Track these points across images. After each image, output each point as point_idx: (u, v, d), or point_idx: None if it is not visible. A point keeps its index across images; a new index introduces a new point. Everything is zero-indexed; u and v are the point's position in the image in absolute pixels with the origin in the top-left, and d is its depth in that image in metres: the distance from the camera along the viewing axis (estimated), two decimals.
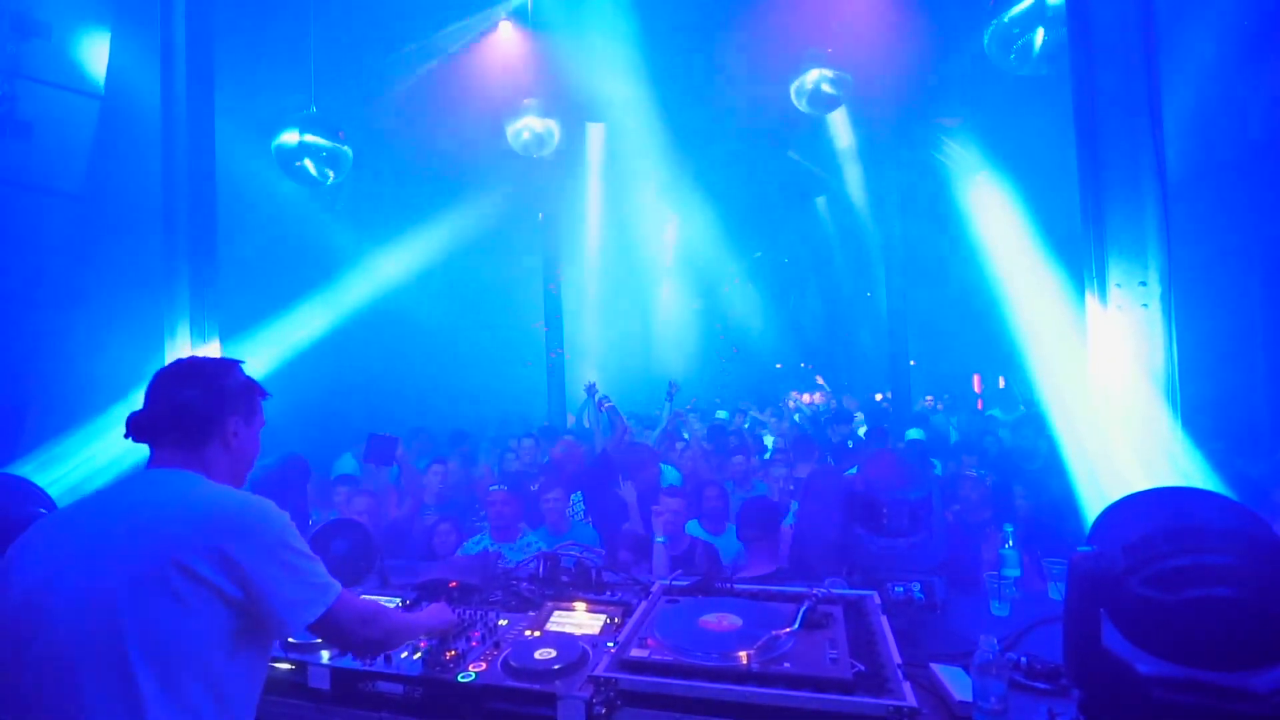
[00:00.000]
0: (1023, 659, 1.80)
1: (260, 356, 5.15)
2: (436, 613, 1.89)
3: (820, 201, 11.58)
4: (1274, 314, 8.17)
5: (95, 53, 5.54)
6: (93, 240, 5.40)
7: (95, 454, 4.45)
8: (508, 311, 10.91)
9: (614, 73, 7.37)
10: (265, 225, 6.68)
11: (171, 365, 1.54)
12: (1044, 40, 4.42)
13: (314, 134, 6.06)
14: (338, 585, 1.45)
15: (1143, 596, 1.35)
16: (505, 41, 7.02)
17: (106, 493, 1.44)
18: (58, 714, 1.22)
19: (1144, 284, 2.68)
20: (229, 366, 1.56)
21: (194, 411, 1.45)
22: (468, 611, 2.15)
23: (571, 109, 7.72)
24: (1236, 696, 1.29)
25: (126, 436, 1.48)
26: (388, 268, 8.37)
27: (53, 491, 2.91)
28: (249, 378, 1.60)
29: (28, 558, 1.33)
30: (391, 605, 2.28)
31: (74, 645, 1.23)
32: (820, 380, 12.31)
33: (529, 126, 7.15)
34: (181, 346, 4.20)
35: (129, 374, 4.54)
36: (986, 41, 4.79)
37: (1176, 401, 2.55)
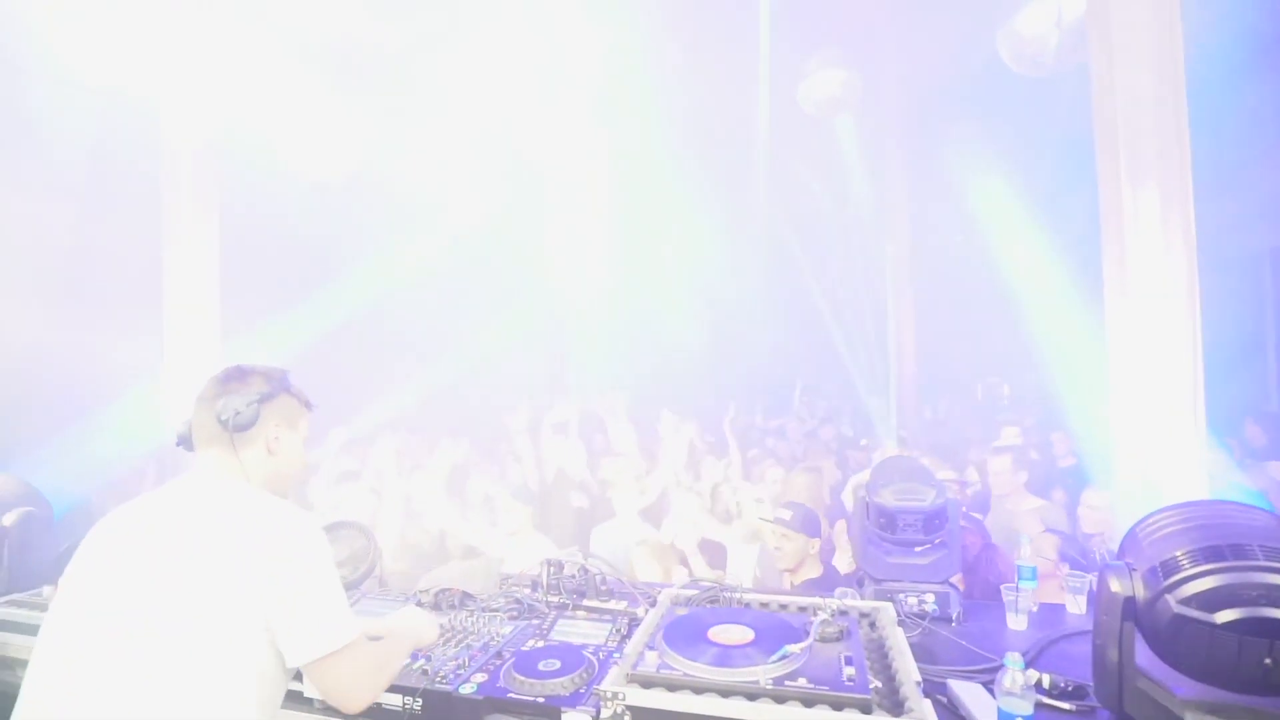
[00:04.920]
0: (1045, 676, 1.73)
1: (263, 355, 5.10)
2: (414, 631, 1.68)
3: (824, 200, 11.45)
4: None
5: (96, 44, 5.50)
6: (91, 236, 5.37)
7: (93, 451, 4.41)
8: (507, 303, 10.87)
9: (618, 69, 7.34)
10: (268, 221, 6.64)
11: (218, 372, 1.56)
12: (1059, 38, 4.35)
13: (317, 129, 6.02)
14: (354, 630, 1.37)
15: (1180, 616, 1.28)
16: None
17: (154, 500, 1.46)
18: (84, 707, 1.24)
19: (1167, 290, 2.61)
20: (273, 374, 1.57)
21: (236, 416, 1.47)
22: (462, 617, 2.09)
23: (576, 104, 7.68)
24: None
25: (178, 445, 1.55)
26: (391, 262, 8.34)
27: (49, 490, 2.87)
28: (294, 387, 1.61)
29: (78, 565, 1.39)
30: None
31: (101, 643, 1.27)
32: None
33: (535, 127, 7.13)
34: (182, 345, 4.15)
35: (127, 372, 4.50)
36: (999, 41, 4.73)
37: (1200, 403, 2.48)
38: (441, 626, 1.99)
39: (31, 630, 2.12)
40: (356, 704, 1.39)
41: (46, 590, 2.36)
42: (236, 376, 1.53)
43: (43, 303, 5.17)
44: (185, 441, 1.55)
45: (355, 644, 1.37)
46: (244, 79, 5.20)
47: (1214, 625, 1.24)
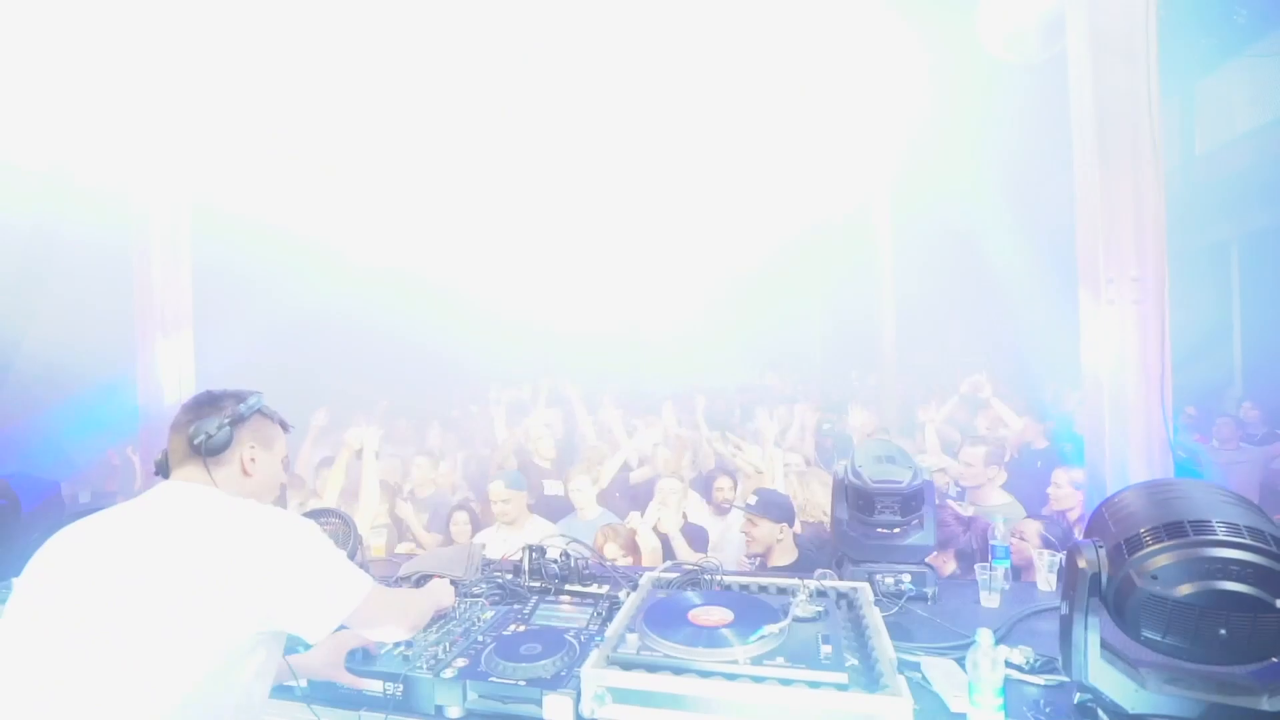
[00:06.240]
0: (1015, 651, 1.78)
1: (234, 343, 5.02)
2: (440, 592, 1.96)
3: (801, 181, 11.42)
4: (1251, 306, 8.32)
5: (70, 29, 5.31)
6: (60, 224, 5.21)
7: (63, 441, 4.32)
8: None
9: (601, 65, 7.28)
10: (240, 209, 6.50)
11: (189, 399, 1.57)
12: (1038, 24, 4.37)
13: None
14: (361, 589, 1.45)
15: (1143, 590, 1.32)
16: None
17: (129, 508, 1.45)
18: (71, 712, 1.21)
19: (1137, 279, 2.66)
20: (244, 396, 1.59)
21: (209, 440, 1.48)
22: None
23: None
24: (1240, 692, 1.28)
25: (155, 474, 1.55)
26: (363, 255, 8.25)
27: (16, 481, 2.80)
28: (266, 408, 1.62)
29: (49, 570, 1.36)
30: None
31: (94, 651, 1.24)
32: None
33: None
34: (153, 333, 4.05)
35: (97, 362, 4.40)
36: (978, 22, 4.74)
37: (1168, 386, 2.55)
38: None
39: None
40: (387, 640, 1.69)
41: (15, 582, 2.32)
42: (207, 401, 1.54)
43: (10, 292, 5.02)
44: (162, 469, 1.55)
45: (368, 599, 1.45)
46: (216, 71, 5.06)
47: (1174, 599, 1.29)
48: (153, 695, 1.23)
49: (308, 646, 1.71)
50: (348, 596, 1.42)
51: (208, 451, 1.47)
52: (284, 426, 1.66)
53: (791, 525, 3.06)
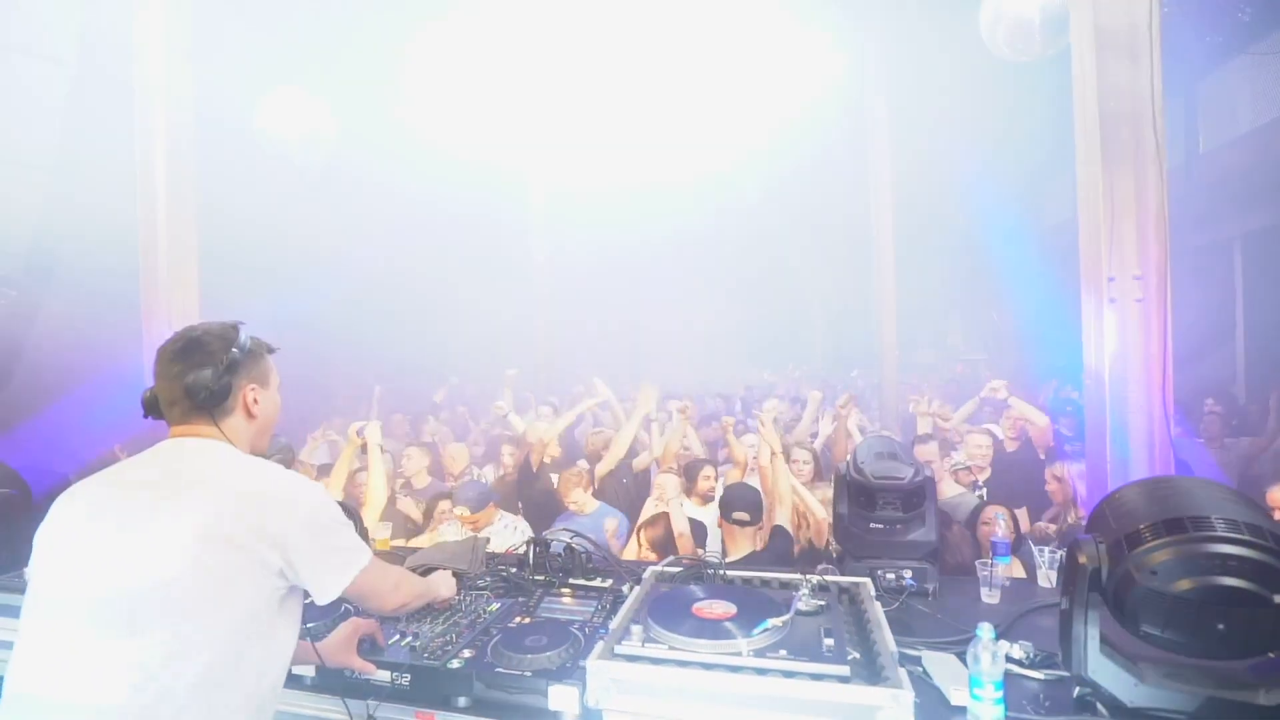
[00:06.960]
0: (1015, 646, 1.80)
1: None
2: (442, 582, 1.98)
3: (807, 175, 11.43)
4: (1254, 304, 8.31)
5: (67, 19, 5.32)
6: (65, 214, 5.22)
7: (72, 431, 4.34)
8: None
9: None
10: (248, 197, 6.51)
11: (172, 342, 1.47)
12: (1041, 23, 4.37)
13: (295, 113, 5.90)
14: (364, 557, 1.48)
15: (1143, 586, 1.34)
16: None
17: (138, 463, 1.42)
18: (82, 682, 1.21)
19: (1139, 277, 2.67)
20: (231, 333, 1.49)
21: (209, 389, 1.42)
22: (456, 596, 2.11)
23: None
24: (1238, 686, 1.29)
25: (145, 416, 1.49)
26: (370, 240, 8.26)
27: (27, 472, 2.83)
28: (253, 339, 1.54)
29: (61, 532, 1.34)
30: None
31: (105, 618, 1.23)
32: None
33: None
34: (161, 322, 4.08)
35: (105, 351, 4.43)
36: (982, 20, 4.74)
37: (1169, 382, 2.56)
38: (429, 604, 2.02)
39: (12, 612, 2.11)
40: (383, 612, 1.67)
41: (27, 572, 2.34)
42: (195, 348, 1.44)
43: (17, 286, 5.04)
44: (153, 411, 1.49)
45: (370, 566, 1.48)
46: (221, 60, 5.06)
47: (1173, 594, 1.30)
48: (183, 654, 1.24)
49: (315, 635, 1.73)
50: (355, 559, 1.45)
51: (212, 405, 1.43)
52: (270, 351, 1.59)
53: (749, 522, 3.08)
